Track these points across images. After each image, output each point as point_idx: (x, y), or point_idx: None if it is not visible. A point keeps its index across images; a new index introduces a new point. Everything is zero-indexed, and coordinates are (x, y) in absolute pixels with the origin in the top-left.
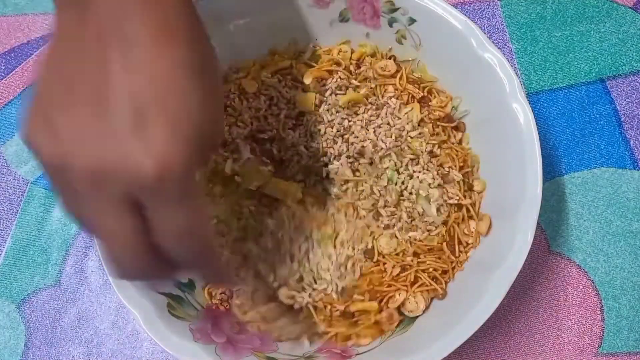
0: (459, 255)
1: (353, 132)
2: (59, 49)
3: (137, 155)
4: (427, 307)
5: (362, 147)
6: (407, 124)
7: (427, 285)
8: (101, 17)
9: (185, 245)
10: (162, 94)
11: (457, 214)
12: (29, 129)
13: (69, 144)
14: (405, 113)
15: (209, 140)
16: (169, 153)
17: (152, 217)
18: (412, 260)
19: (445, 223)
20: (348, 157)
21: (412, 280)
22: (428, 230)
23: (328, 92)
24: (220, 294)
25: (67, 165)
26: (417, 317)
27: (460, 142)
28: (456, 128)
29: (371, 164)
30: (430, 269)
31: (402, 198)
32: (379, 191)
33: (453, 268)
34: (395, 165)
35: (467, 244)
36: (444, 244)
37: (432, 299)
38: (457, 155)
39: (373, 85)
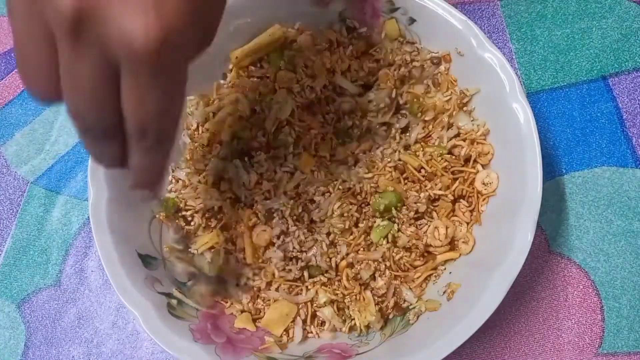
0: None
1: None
2: None
3: (140, 12)
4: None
5: None
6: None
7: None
8: None
9: (145, 127)
10: None
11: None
12: None
13: None
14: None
15: (204, 31)
16: (176, 18)
17: (126, 85)
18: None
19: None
20: None
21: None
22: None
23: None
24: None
25: None
26: (417, 317)
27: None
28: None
29: None
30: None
31: None
32: None
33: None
34: None
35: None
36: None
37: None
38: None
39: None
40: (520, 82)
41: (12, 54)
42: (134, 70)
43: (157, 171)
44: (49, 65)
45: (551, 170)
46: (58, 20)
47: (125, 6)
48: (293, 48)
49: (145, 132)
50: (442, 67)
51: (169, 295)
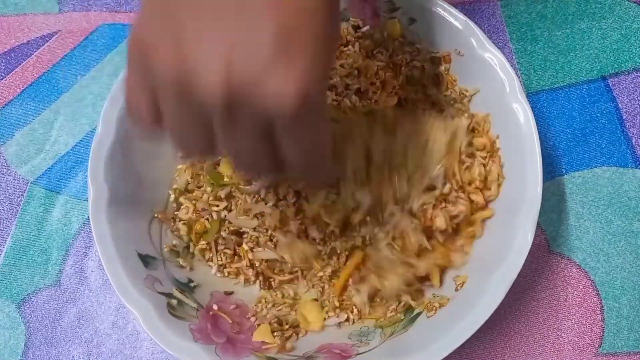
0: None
1: None
2: None
3: (279, 80)
4: None
5: None
6: None
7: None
8: None
9: (308, 163)
10: (306, 22)
11: None
12: (143, 27)
13: (198, 54)
14: None
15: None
16: (310, 81)
17: (281, 139)
18: None
19: None
20: None
21: None
22: None
23: None
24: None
25: (190, 78)
26: (417, 316)
27: None
28: None
29: None
30: None
31: None
32: None
33: None
34: None
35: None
36: None
37: None
38: None
39: None
40: (520, 82)
41: (12, 54)
42: (287, 126)
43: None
44: (205, 136)
45: (551, 170)
46: (212, 105)
47: (269, 78)
48: None
49: (308, 167)
50: (442, 68)
51: (169, 295)
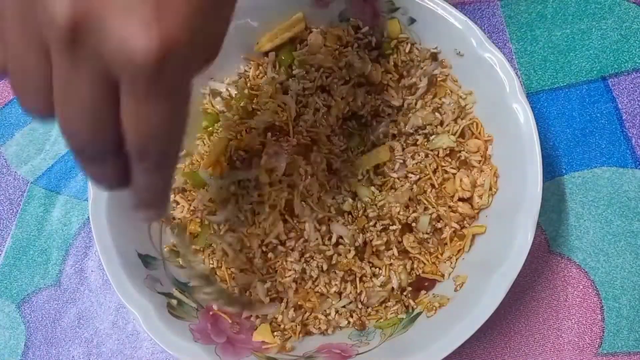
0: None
1: None
2: None
3: (143, 21)
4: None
5: None
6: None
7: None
8: None
9: (147, 147)
10: None
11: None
12: None
13: None
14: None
15: (208, 47)
16: (179, 30)
17: (127, 101)
18: None
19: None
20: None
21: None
22: None
23: None
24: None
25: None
26: (417, 316)
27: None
28: None
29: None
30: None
31: None
32: None
33: None
34: None
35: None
36: None
37: None
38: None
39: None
40: (520, 82)
41: None
42: (134, 85)
43: (160, 192)
44: (45, 78)
45: (551, 170)
46: (52, 28)
47: (125, 16)
48: (303, 47)
49: (146, 152)
50: (439, 68)
51: (169, 295)
